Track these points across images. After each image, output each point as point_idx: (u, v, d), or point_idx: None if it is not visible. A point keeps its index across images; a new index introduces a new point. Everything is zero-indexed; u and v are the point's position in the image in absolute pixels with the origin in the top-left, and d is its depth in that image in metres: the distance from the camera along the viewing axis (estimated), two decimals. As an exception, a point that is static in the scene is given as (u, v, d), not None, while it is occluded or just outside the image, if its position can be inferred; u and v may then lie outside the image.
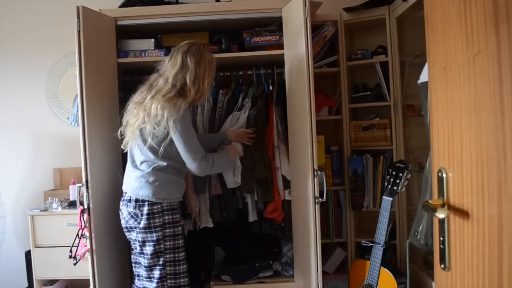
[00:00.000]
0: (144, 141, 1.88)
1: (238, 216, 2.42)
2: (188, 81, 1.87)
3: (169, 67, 1.91)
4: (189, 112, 1.90)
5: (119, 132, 1.98)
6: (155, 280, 1.88)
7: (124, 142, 1.98)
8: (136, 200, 1.87)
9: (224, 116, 2.40)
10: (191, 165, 1.89)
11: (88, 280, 2.07)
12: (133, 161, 1.96)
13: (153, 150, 1.88)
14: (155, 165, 1.88)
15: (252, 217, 2.38)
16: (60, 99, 3.05)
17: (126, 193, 1.94)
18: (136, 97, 1.94)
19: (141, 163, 1.92)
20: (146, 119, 1.83)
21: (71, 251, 2.19)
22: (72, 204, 2.62)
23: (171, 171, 1.92)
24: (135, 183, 1.89)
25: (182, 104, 1.82)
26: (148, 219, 1.85)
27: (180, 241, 1.94)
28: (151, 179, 1.87)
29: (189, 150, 1.87)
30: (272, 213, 2.33)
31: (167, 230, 1.89)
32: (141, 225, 1.86)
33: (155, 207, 1.86)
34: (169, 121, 1.80)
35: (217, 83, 2.49)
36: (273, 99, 2.40)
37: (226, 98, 2.43)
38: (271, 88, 2.45)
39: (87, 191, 2.04)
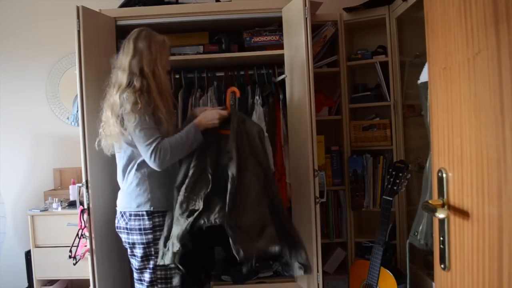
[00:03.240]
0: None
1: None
2: (144, 66, 1.77)
3: (123, 58, 1.80)
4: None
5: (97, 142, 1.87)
6: (145, 284, 1.81)
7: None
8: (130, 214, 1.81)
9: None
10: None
11: (88, 280, 2.07)
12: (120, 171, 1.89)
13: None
14: (138, 162, 1.81)
15: None
16: (60, 99, 3.05)
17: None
18: (106, 104, 1.83)
19: (124, 169, 1.86)
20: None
21: (71, 251, 2.20)
22: (72, 204, 2.62)
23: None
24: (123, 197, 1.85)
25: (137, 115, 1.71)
26: (137, 220, 1.78)
27: None
28: (138, 188, 1.81)
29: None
30: None
31: (158, 234, 1.78)
32: (129, 226, 1.79)
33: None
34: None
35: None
36: (279, 99, 2.39)
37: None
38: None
39: (87, 191, 2.04)
